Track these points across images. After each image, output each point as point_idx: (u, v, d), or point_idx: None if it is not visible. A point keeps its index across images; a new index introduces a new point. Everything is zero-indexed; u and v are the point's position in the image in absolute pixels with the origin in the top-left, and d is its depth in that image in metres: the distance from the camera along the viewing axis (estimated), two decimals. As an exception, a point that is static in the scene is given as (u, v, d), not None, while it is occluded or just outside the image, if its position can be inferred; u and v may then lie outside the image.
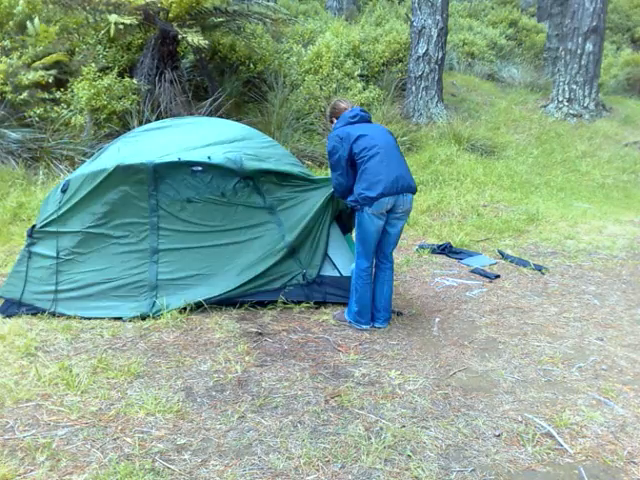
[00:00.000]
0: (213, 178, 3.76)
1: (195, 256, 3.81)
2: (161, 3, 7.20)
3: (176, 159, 3.70)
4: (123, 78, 7.31)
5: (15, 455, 2.41)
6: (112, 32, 6.75)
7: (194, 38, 6.77)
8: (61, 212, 3.76)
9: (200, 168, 3.73)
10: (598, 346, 3.66)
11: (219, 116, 7.33)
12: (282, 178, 3.90)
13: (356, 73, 9.80)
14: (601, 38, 10.72)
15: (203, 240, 3.82)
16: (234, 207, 3.82)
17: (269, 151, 4.07)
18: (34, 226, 3.82)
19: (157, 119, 7.06)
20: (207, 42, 6.93)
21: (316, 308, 4.02)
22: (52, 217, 3.78)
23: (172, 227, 3.78)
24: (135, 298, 3.73)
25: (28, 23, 7.14)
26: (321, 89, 9.26)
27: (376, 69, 10.33)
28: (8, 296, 3.73)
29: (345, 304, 3.91)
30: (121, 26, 6.82)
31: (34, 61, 7.03)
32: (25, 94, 6.78)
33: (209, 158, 3.74)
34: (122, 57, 8.02)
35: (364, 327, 3.77)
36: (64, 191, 3.81)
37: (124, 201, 3.72)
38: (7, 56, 6.97)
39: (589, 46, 10.54)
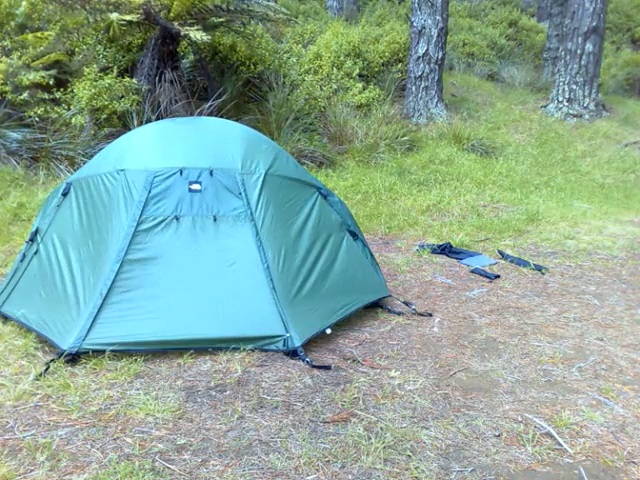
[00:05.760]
0: (208, 199, 3.53)
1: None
2: (162, 0, 7.21)
3: (177, 170, 3.55)
4: (123, 78, 7.32)
5: (15, 455, 2.41)
6: (115, 30, 6.73)
7: (196, 34, 6.77)
8: (58, 215, 3.71)
9: (199, 188, 3.54)
10: (598, 346, 3.66)
11: (219, 116, 7.33)
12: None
13: (356, 73, 9.81)
14: (601, 38, 10.73)
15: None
16: (220, 239, 3.50)
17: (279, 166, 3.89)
18: (37, 231, 3.78)
19: (157, 119, 7.06)
20: (209, 37, 6.91)
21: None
22: (49, 220, 3.73)
23: (151, 242, 3.41)
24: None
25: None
26: (321, 89, 9.27)
27: (376, 69, 10.34)
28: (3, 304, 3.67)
29: None
30: (122, 24, 6.80)
31: (34, 61, 7.03)
32: (25, 94, 6.78)
33: (211, 174, 3.58)
34: (122, 57, 8.03)
35: None
36: (65, 194, 3.76)
37: (112, 207, 3.50)
38: (7, 56, 6.97)
39: (589, 46, 10.55)
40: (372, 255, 4.37)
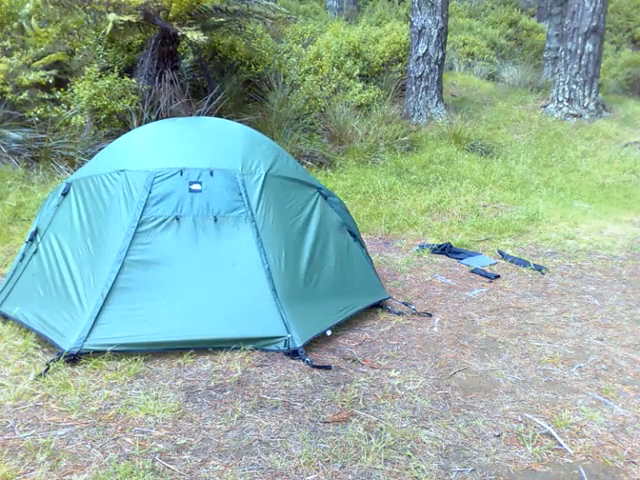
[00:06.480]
0: (208, 200, 3.51)
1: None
2: (161, 2, 7.20)
3: (177, 170, 3.54)
4: (123, 78, 7.32)
5: (15, 455, 2.41)
6: (109, 30, 6.72)
7: (194, 35, 6.77)
8: (57, 215, 3.69)
9: (200, 188, 3.53)
10: (598, 346, 3.66)
11: (219, 116, 7.33)
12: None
13: (356, 73, 9.81)
14: (601, 38, 10.72)
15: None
16: (222, 238, 3.48)
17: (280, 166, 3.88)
18: (37, 231, 3.78)
19: (157, 119, 7.06)
20: (206, 38, 6.92)
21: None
22: (49, 220, 3.71)
23: (152, 242, 3.39)
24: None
25: (25, 24, 7.14)
26: (321, 89, 9.27)
27: (376, 69, 10.35)
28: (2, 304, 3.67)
29: None
30: (120, 25, 6.80)
31: (34, 61, 7.03)
32: (25, 94, 6.78)
33: (211, 174, 3.56)
34: (122, 57, 8.04)
35: None
36: (65, 194, 3.76)
37: (112, 207, 3.50)
38: (8, 56, 6.97)
39: (589, 46, 10.54)
40: (369, 257, 4.37)
